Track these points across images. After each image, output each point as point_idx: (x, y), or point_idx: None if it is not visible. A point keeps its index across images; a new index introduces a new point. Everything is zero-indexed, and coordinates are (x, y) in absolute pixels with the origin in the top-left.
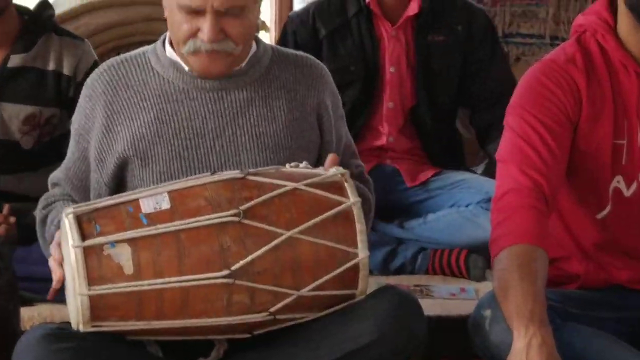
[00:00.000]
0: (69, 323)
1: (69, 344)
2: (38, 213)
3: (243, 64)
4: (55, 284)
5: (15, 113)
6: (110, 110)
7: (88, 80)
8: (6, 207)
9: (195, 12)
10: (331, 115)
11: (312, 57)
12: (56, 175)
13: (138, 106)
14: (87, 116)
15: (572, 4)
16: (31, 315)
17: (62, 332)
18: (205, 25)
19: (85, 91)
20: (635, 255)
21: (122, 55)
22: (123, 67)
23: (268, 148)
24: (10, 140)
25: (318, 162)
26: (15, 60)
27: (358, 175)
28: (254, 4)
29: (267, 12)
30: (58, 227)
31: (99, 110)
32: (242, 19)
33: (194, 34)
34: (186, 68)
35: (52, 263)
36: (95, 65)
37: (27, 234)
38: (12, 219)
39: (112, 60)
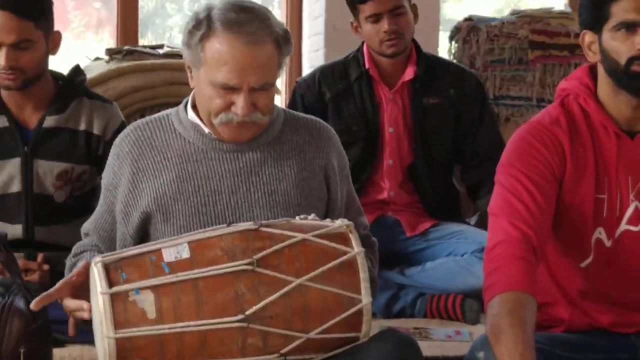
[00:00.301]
0: None
1: None
2: (68, 261)
3: None
4: (86, 315)
5: (50, 169)
6: (135, 169)
7: (116, 140)
8: (40, 256)
9: (231, 89)
10: (337, 174)
11: (321, 121)
12: (86, 226)
13: (161, 165)
14: (115, 173)
15: (556, 69)
16: (62, 355)
17: None
18: (240, 101)
19: (113, 150)
20: (616, 301)
21: (147, 118)
22: (148, 129)
23: (279, 205)
24: (45, 194)
25: (325, 218)
26: (50, 122)
27: (366, 237)
28: (277, 71)
29: None
30: None
31: (126, 168)
32: (269, 92)
33: (227, 107)
34: (206, 130)
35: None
36: (122, 125)
37: (59, 280)
38: (46, 267)
39: (138, 122)
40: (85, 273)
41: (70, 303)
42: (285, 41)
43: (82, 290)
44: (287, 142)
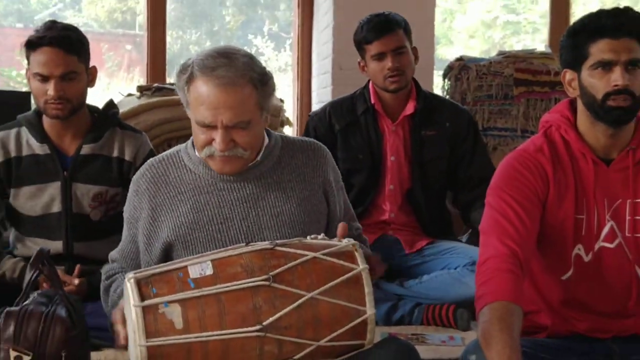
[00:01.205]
0: None
1: None
2: (102, 283)
3: (259, 157)
4: (122, 341)
5: (86, 191)
6: (154, 204)
7: (134, 178)
8: (77, 268)
9: (209, 127)
10: (334, 188)
11: (315, 141)
12: (113, 254)
13: (176, 199)
14: (135, 207)
15: (539, 103)
16: (99, 358)
17: None
18: (217, 137)
19: (132, 187)
20: (594, 310)
21: (160, 155)
22: (162, 166)
23: (285, 224)
24: (82, 214)
25: (327, 229)
26: (86, 149)
27: (357, 237)
28: (258, 118)
29: (291, 110)
30: (120, 295)
31: (145, 204)
32: (248, 131)
33: (209, 142)
34: None
35: (117, 327)
36: (151, 153)
37: (94, 290)
38: (76, 281)
39: (152, 160)
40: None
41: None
42: (261, 83)
43: None
44: (286, 166)
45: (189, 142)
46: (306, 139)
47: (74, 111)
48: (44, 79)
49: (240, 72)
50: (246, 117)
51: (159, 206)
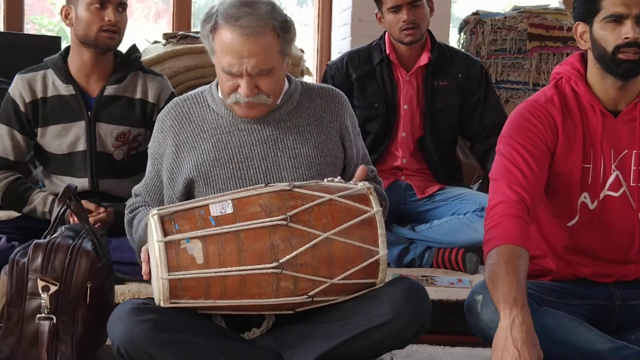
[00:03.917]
0: (152, 299)
1: (151, 315)
2: (125, 216)
3: (279, 101)
4: (145, 277)
5: (110, 131)
6: (177, 140)
7: (159, 116)
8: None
9: (234, 75)
10: (351, 133)
11: (334, 88)
12: (137, 188)
13: (199, 137)
14: (159, 144)
15: (551, 58)
16: (123, 291)
17: (146, 305)
18: (243, 84)
19: (157, 124)
20: (597, 256)
21: (185, 95)
22: (186, 105)
23: (302, 165)
24: (106, 153)
25: (343, 172)
26: (109, 90)
27: (373, 178)
28: (280, 64)
29: (311, 60)
30: (143, 228)
31: (169, 140)
32: (271, 77)
33: (234, 89)
34: None
35: (143, 265)
36: (172, 95)
37: (121, 219)
38: (108, 209)
39: (177, 99)
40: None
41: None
42: (283, 30)
43: None
44: (305, 110)
45: (213, 83)
46: (325, 85)
47: (117, 45)
48: (102, 5)
49: (263, 21)
50: (269, 65)
51: (182, 143)
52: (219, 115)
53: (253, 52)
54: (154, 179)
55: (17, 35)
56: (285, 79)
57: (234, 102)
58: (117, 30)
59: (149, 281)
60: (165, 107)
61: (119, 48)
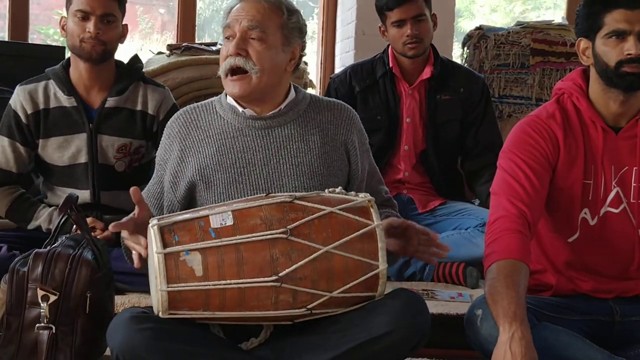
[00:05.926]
0: (151, 308)
1: (151, 324)
2: None
3: (283, 107)
4: (136, 265)
5: (111, 143)
6: (183, 146)
7: (169, 122)
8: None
9: (229, 38)
10: (357, 149)
11: (344, 104)
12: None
13: (204, 142)
14: (166, 149)
15: (554, 73)
16: (123, 302)
17: (145, 315)
18: (232, 44)
19: (166, 131)
20: (597, 271)
21: (195, 104)
22: (194, 112)
23: (305, 174)
24: (108, 165)
25: (347, 185)
26: (111, 102)
27: (387, 200)
28: (278, 42)
29: (314, 73)
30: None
31: (175, 145)
32: (262, 43)
33: (228, 55)
34: (241, 110)
35: (127, 243)
36: (174, 107)
37: (119, 238)
38: (108, 232)
39: (187, 107)
40: (145, 208)
41: (130, 238)
42: (289, 12)
43: (141, 227)
44: (311, 120)
45: (224, 92)
46: (335, 100)
47: (104, 57)
48: (85, 16)
49: None
50: (264, 27)
51: (187, 148)
52: (225, 120)
53: (251, 14)
54: (156, 185)
55: (22, 45)
56: (292, 88)
57: (224, 72)
58: (99, 42)
59: (148, 291)
60: (175, 114)
61: (121, 59)
